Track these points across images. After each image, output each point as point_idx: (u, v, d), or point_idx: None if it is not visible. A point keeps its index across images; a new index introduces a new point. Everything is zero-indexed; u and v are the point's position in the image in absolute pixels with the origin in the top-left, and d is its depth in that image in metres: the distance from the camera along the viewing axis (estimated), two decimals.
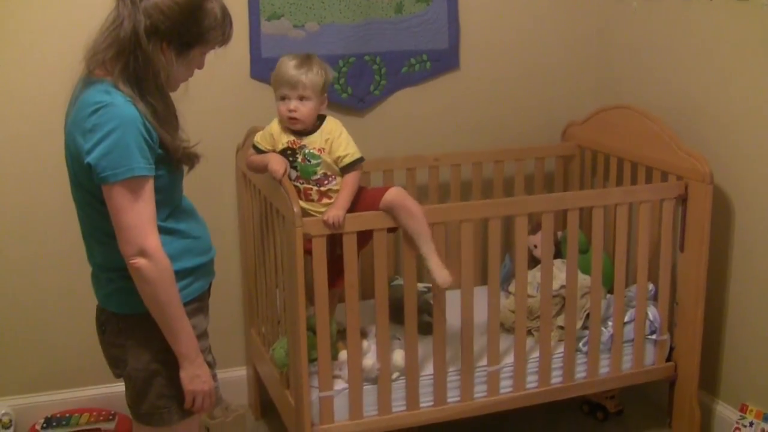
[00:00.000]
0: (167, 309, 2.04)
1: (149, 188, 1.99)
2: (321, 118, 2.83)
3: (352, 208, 2.77)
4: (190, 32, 2.06)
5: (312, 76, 2.74)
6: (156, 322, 2.06)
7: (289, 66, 2.75)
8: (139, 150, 1.95)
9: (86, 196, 2.06)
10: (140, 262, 1.97)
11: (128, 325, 2.13)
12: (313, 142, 2.78)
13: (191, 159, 2.14)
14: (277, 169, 2.71)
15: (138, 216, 1.97)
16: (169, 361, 2.11)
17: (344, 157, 2.77)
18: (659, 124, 3.27)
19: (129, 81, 2.00)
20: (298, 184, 2.80)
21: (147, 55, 2.00)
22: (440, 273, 2.77)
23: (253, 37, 3.39)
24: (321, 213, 2.73)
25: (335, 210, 2.69)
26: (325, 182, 2.79)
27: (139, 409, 2.17)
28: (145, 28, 1.98)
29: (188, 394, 2.15)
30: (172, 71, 2.07)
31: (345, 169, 2.79)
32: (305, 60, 2.76)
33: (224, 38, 2.15)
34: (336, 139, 2.77)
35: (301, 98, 2.74)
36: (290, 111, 2.75)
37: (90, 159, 1.94)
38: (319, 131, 2.79)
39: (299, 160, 2.80)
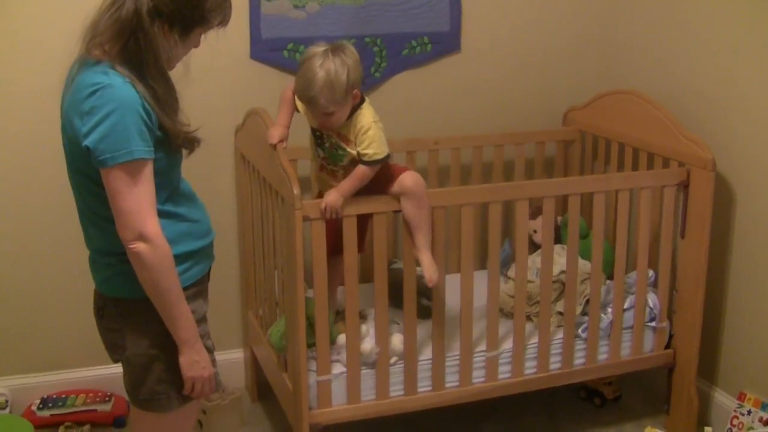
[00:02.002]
0: (167, 294, 2.01)
1: (148, 171, 1.95)
2: (361, 101, 2.72)
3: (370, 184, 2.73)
4: (193, 14, 2.02)
5: (328, 96, 2.56)
6: (155, 307, 2.04)
7: (306, 87, 2.58)
8: (138, 132, 1.92)
9: (83, 180, 2.03)
10: (139, 246, 1.94)
11: (127, 309, 2.10)
12: (343, 131, 2.71)
13: (191, 143, 2.11)
14: (272, 135, 2.71)
15: (137, 200, 1.93)
16: (168, 346, 2.09)
17: (364, 155, 2.68)
18: (661, 110, 3.25)
19: (128, 62, 1.96)
20: (324, 164, 2.78)
21: (149, 36, 1.96)
22: (430, 269, 2.73)
23: (253, 18, 3.36)
24: None
25: (333, 196, 2.65)
26: (352, 169, 2.73)
27: (138, 395, 2.15)
28: (147, 10, 1.95)
29: (188, 380, 2.12)
30: (173, 52, 2.04)
31: (363, 163, 2.70)
32: (319, 73, 2.55)
33: (224, 19, 2.12)
34: (363, 134, 2.68)
35: (327, 114, 2.64)
36: (321, 125, 2.70)
37: (88, 142, 1.90)
38: (351, 120, 2.70)
39: (327, 145, 2.75)
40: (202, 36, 2.12)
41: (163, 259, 1.97)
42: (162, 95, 2.00)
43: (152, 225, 1.95)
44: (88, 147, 1.90)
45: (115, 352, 2.16)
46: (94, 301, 2.20)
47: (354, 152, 2.71)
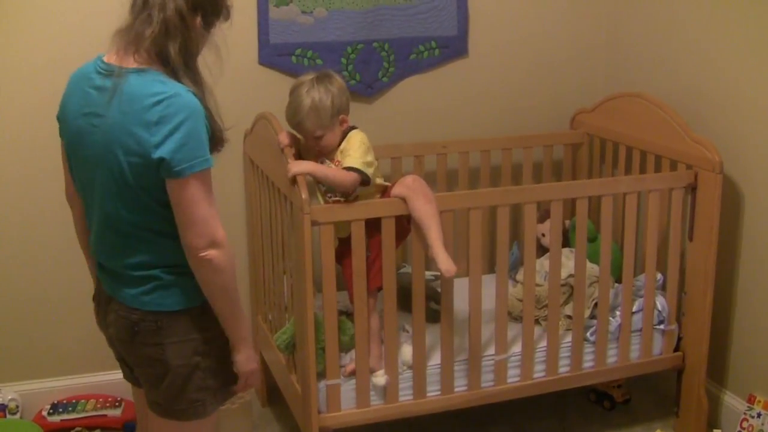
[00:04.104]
0: (233, 295, 2.04)
1: (211, 178, 1.98)
2: (351, 127, 2.83)
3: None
4: (218, 3, 2.07)
5: (314, 120, 2.72)
6: (193, 315, 2.05)
7: (294, 113, 2.74)
8: (207, 140, 1.95)
9: (138, 195, 1.95)
10: (212, 253, 1.94)
11: (169, 321, 2.05)
12: (336, 156, 2.80)
13: (221, 144, 2.10)
14: (281, 139, 2.77)
15: (210, 208, 1.94)
16: (206, 353, 2.08)
17: (345, 162, 2.75)
18: (669, 113, 3.24)
19: (184, 67, 1.97)
20: (327, 198, 2.82)
21: (192, 33, 1.99)
22: (447, 262, 2.71)
23: (261, 23, 3.37)
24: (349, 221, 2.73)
25: (305, 165, 2.68)
26: (352, 192, 2.77)
27: (176, 405, 2.10)
28: (188, 6, 1.96)
29: (243, 375, 2.17)
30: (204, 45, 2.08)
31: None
32: (305, 100, 2.71)
33: (229, 10, 2.14)
34: (348, 150, 2.76)
35: (316, 137, 2.76)
36: (314, 152, 2.80)
37: (162, 152, 1.86)
38: (341, 145, 2.80)
39: None
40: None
41: (232, 261, 2.01)
42: (204, 95, 2.02)
43: (221, 230, 1.97)
44: (162, 158, 1.87)
45: (153, 366, 2.08)
46: (122, 319, 2.09)
47: None
